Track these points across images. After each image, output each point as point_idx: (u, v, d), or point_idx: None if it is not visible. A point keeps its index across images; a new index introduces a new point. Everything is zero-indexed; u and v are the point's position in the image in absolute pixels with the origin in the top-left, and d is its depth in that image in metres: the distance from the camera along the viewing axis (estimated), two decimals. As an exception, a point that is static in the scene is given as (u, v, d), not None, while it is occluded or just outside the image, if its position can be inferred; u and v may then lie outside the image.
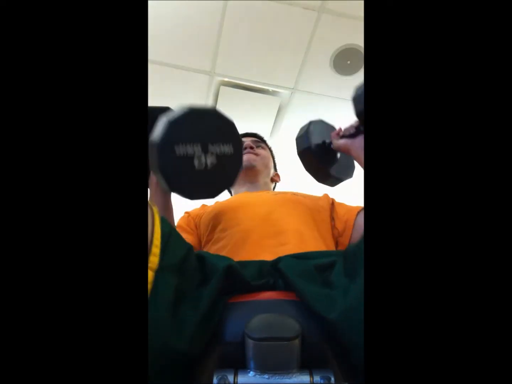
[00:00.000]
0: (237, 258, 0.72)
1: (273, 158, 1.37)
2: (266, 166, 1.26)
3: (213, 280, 0.56)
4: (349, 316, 0.48)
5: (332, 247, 0.94)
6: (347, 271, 0.58)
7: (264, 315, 0.51)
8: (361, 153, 0.79)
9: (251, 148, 1.24)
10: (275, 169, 1.38)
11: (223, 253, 0.85)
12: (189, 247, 0.61)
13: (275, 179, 1.34)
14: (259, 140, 1.35)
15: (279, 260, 0.67)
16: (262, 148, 1.31)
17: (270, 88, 2.32)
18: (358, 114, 0.78)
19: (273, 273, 0.65)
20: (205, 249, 0.95)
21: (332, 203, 1.08)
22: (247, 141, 1.29)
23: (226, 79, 2.26)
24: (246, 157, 1.20)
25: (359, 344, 0.43)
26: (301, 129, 0.95)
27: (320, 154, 0.91)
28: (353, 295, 0.49)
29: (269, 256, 0.74)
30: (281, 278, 0.62)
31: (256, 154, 1.23)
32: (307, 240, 0.86)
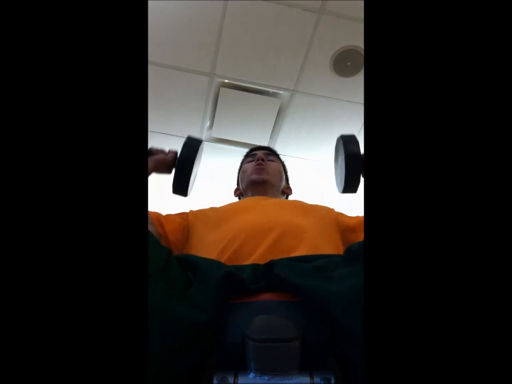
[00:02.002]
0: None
1: (285, 171, 1.37)
2: (277, 180, 1.26)
3: (213, 288, 0.54)
4: (348, 297, 0.48)
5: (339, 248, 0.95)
6: (350, 267, 0.57)
7: (264, 316, 0.51)
8: None
9: (262, 160, 1.25)
10: (287, 182, 1.37)
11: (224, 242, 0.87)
12: (168, 250, 0.61)
13: (286, 191, 1.33)
14: (270, 153, 1.35)
15: (273, 263, 0.64)
16: (274, 161, 1.31)
17: (270, 90, 2.32)
18: None
19: (269, 276, 0.63)
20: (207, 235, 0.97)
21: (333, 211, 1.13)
22: (258, 153, 1.29)
23: (226, 81, 2.26)
24: (255, 171, 1.21)
25: (359, 336, 0.42)
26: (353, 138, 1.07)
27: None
28: (354, 282, 0.49)
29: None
30: (278, 281, 0.60)
31: (266, 168, 1.23)
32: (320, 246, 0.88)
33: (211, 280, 0.55)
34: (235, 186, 1.40)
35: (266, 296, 0.58)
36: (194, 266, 0.62)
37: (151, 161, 1.04)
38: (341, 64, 2.15)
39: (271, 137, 2.63)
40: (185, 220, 1.07)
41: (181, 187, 1.07)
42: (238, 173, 1.38)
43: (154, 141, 2.54)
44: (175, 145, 1.16)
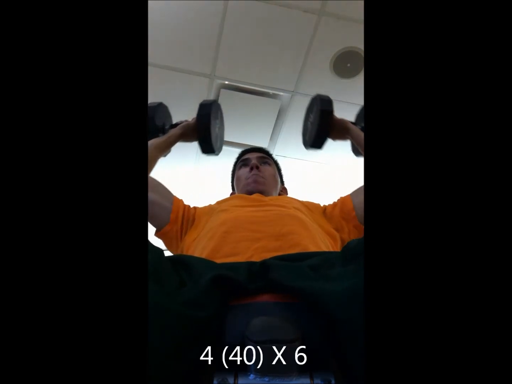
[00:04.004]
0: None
1: (279, 170, 1.34)
2: (273, 186, 1.24)
3: (205, 286, 0.54)
4: (347, 296, 0.48)
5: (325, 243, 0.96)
6: (347, 266, 0.57)
7: (264, 317, 0.51)
8: (355, 130, 1.11)
9: (257, 168, 1.22)
10: (282, 183, 1.35)
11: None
12: (159, 251, 0.61)
13: (282, 193, 1.32)
14: (264, 155, 1.32)
15: (267, 266, 0.63)
16: (268, 164, 1.28)
17: (270, 91, 2.32)
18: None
19: (265, 278, 0.62)
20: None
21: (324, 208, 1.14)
22: (252, 159, 1.26)
23: (226, 82, 2.26)
24: (251, 182, 1.19)
25: (359, 336, 0.42)
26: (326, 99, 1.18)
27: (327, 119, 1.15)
28: (353, 282, 0.49)
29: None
30: (274, 284, 0.59)
31: (262, 177, 1.21)
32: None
33: (205, 280, 0.55)
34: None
35: (265, 298, 0.58)
36: (187, 266, 0.62)
37: (177, 128, 1.19)
38: (341, 66, 2.15)
39: (271, 138, 2.63)
40: (193, 209, 1.12)
41: (206, 144, 1.17)
42: (232, 178, 1.36)
43: (154, 142, 2.54)
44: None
